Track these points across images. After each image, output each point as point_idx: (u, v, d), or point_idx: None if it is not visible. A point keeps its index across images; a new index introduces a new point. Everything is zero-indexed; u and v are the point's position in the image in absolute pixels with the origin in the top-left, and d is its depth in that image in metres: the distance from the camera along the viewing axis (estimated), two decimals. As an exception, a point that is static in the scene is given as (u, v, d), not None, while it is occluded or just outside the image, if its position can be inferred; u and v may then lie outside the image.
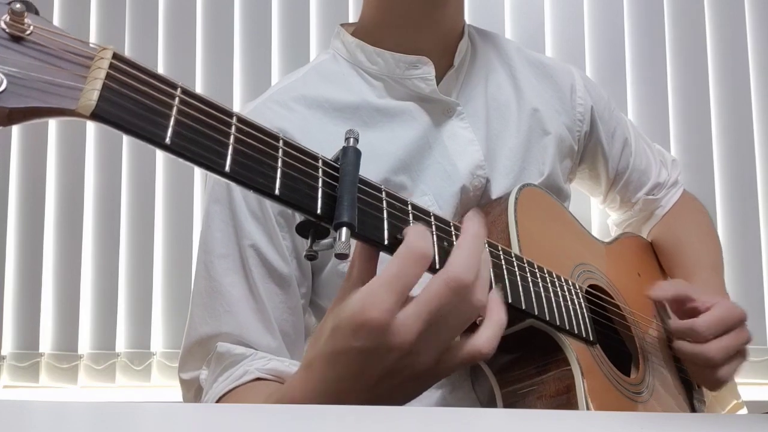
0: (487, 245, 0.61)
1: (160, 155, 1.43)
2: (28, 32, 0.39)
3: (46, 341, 1.42)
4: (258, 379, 0.70)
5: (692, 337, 0.76)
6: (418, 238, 0.49)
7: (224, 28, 1.44)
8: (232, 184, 0.73)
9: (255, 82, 1.42)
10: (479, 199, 0.80)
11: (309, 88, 0.80)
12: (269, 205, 0.74)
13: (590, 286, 0.77)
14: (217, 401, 0.70)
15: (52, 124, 1.46)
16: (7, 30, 0.38)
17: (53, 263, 1.44)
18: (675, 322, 0.78)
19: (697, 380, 0.84)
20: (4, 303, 1.42)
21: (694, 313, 0.77)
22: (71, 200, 1.44)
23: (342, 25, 0.87)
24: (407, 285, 0.47)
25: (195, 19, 1.44)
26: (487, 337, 0.51)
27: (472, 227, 0.53)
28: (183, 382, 0.78)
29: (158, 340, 1.40)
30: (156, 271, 1.41)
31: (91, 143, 1.45)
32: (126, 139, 1.43)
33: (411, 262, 0.48)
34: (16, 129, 1.46)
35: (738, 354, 0.77)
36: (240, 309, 0.73)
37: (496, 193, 0.80)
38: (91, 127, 1.45)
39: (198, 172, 1.42)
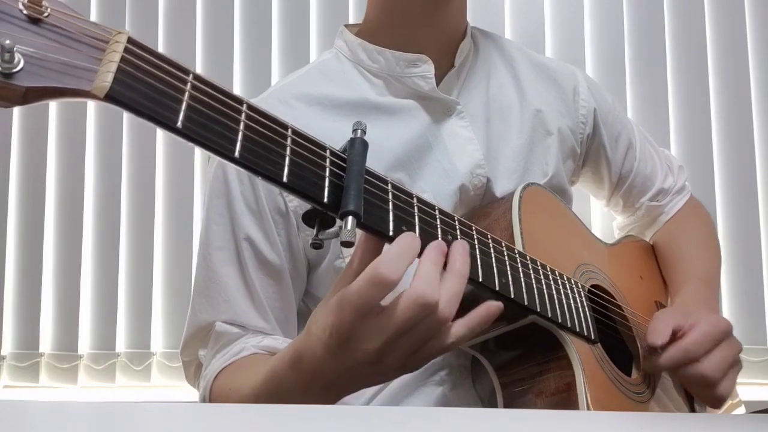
0: (491, 240, 0.61)
1: (161, 155, 1.43)
2: (45, 14, 0.40)
3: (46, 341, 1.42)
4: (254, 355, 0.74)
5: (686, 358, 0.72)
6: (387, 260, 0.51)
7: (224, 28, 1.44)
8: (231, 180, 0.77)
9: (255, 82, 1.42)
10: (481, 199, 0.80)
11: (309, 85, 0.81)
12: (265, 200, 0.77)
13: (592, 286, 0.77)
14: (216, 376, 0.74)
15: (53, 124, 1.46)
16: (25, 11, 0.39)
17: (53, 263, 1.43)
18: (665, 353, 0.73)
19: (702, 400, 0.82)
20: (4, 303, 1.42)
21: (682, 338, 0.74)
22: (71, 200, 1.43)
23: (346, 25, 0.88)
24: (365, 303, 0.51)
25: (195, 19, 1.45)
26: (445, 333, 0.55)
27: (431, 247, 0.54)
28: (184, 362, 0.84)
29: (158, 340, 1.40)
30: (156, 271, 1.41)
31: (92, 143, 1.45)
32: (126, 140, 1.44)
33: (371, 285, 0.51)
34: (16, 129, 1.46)
35: (733, 365, 0.76)
36: (236, 298, 0.78)
37: (500, 193, 0.81)
38: (92, 126, 1.45)
39: (198, 172, 1.42)
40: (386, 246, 0.53)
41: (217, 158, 0.46)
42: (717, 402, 0.76)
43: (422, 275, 0.52)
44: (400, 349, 0.53)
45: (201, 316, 0.79)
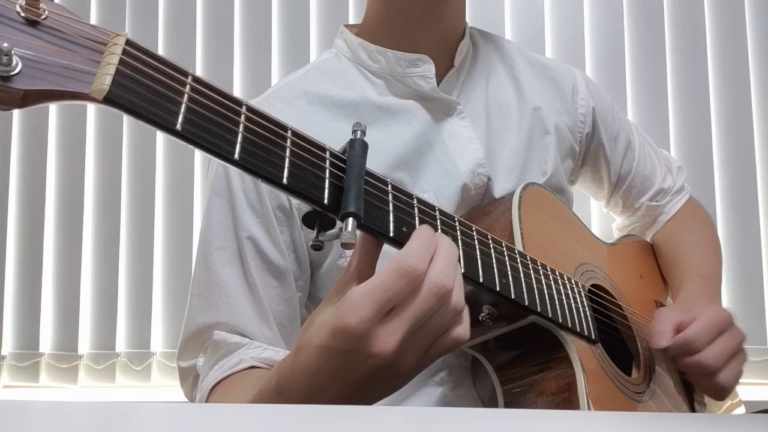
0: (491, 240, 0.61)
1: (160, 155, 1.43)
2: (43, 16, 0.40)
3: (46, 341, 1.42)
4: (252, 367, 0.71)
5: (688, 349, 0.73)
6: (413, 252, 0.49)
7: (224, 29, 1.44)
8: (232, 177, 0.76)
9: (255, 82, 1.42)
10: (481, 198, 0.80)
11: (311, 84, 0.81)
12: (268, 198, 0.75)
13: (592, 285, 0.77)
14: (212, 388, 0.71)
15: (53, 124, 1.46)
16: (22, 14, 0.39)
17: (53, 263, 1.43)
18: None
19: (704, 391, 0.81)
20: (4, 303, 1.42)
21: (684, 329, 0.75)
22: (71, 200, 1.44)
23: (345, 25, 0.87)
24: (390, 298, 0.48)
25: (195, 19, 1.45)
26: (463, 324, 0.53)
27: (446, 240, 0.53)
28: (181, 369, 0.79)
29: (158, 340, 1.40)
30: (156, 271, 1.41)
31: (91, 143, 1.45)
32: (126, 140, 1.44)
33: (398, 277, 0.48)
34: (16, 129, 1.46)
35: (736, 355, 0.76)
36: (236, 299, 0.75)
37: (498, 192, 0.81)
38: (92, 127, 1.45)
39: (198, 172, 1.42)
40: (410, 239, 0.50)
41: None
42: (719, 392, 0.75)
43: (438, 264, 0.50)
44: (417, 346, 0.50)
45: (199, 318, 0.76)
